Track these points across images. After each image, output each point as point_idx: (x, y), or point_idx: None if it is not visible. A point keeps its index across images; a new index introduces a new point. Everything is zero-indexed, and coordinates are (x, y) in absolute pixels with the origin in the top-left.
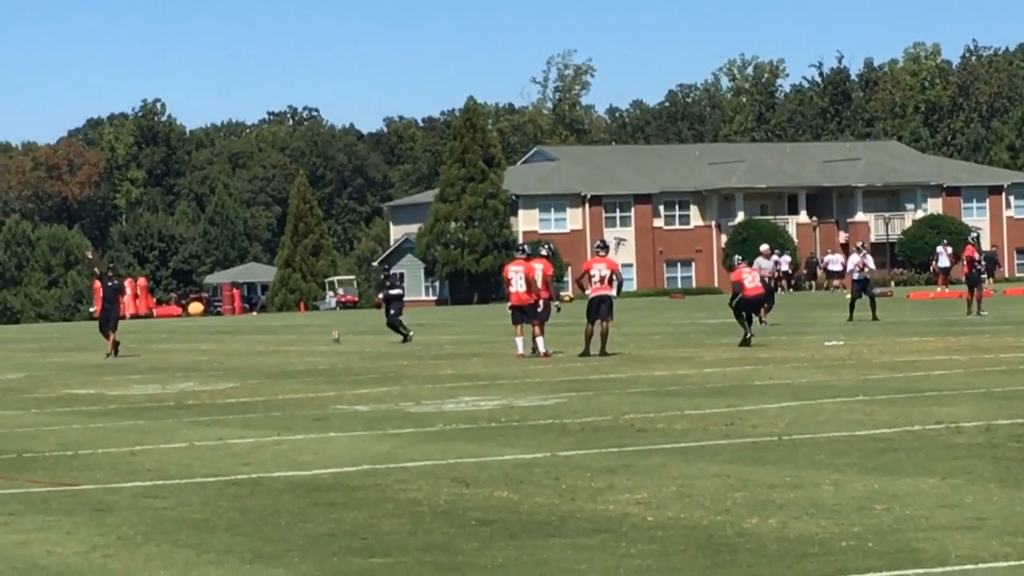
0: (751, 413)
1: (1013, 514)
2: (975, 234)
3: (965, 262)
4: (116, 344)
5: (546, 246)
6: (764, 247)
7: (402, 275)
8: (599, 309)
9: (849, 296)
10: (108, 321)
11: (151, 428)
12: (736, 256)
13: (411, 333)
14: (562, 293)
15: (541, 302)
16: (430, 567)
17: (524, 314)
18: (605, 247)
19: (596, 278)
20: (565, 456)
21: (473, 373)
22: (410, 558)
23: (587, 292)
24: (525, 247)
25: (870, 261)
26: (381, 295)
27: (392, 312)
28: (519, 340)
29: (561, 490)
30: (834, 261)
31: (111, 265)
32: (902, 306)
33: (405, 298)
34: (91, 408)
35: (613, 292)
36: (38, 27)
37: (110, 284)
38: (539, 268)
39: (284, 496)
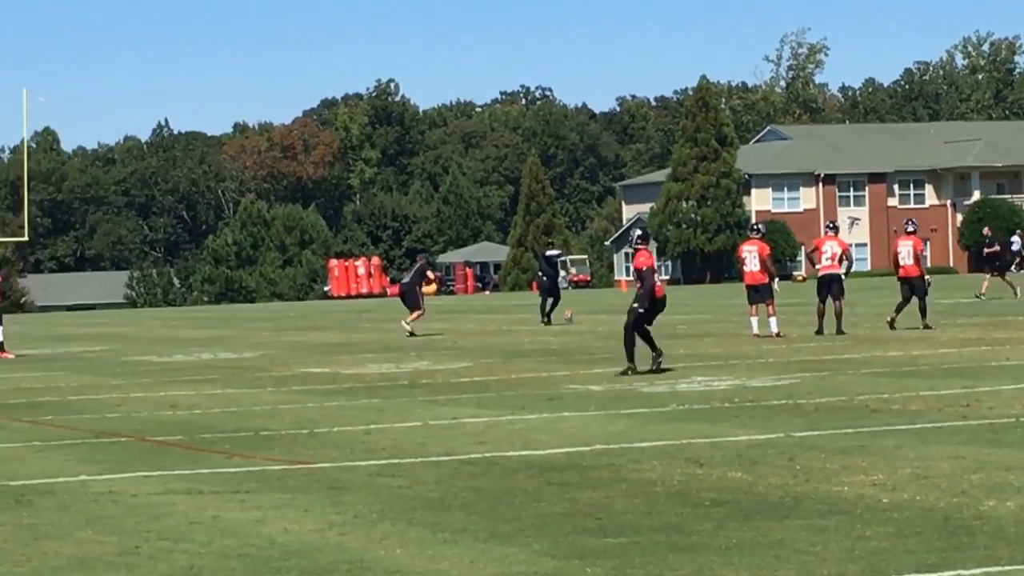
0: (988, 394)
1: None
2: None
3: None
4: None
5: (756, 226)
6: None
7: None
8: (830, 288)
9: None
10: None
11: (385, 407)
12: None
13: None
14: (795, 273)
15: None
16: (664, 547)
17: (758, 293)
18: (835, 227)
19: (827, 255)
20: (799, 437)
21: (706, 353)
22: (644, 538)
23: (816, 267)
24: (760, 226)
25: None
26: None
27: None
28: (754, 320)
29: (795, 471)
30: None
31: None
32: None
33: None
34: (326, 387)
35: (842, 271)
36: (275, 10)
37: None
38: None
39: (518, 475)
